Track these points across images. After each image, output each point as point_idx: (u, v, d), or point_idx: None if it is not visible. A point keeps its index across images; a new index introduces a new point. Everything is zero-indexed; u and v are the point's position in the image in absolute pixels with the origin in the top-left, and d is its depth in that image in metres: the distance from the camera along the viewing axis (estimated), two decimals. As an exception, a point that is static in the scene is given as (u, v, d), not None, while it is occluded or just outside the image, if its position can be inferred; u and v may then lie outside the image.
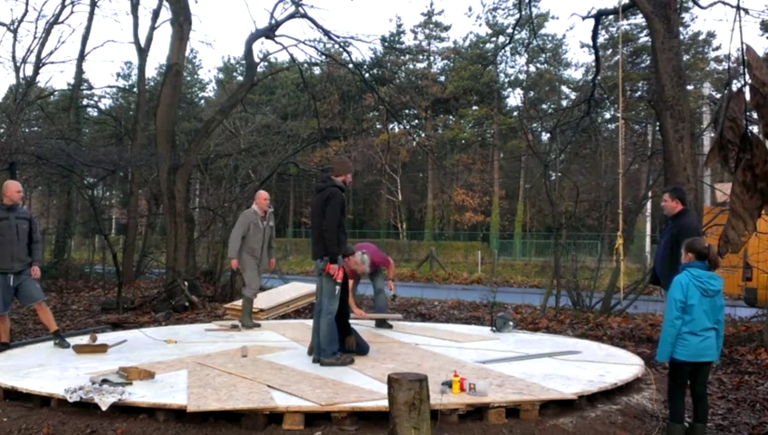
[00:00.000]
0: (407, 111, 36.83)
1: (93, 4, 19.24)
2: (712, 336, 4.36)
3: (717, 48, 35.98)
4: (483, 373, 5.50)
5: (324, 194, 5.95)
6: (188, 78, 44.20)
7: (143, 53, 18.72)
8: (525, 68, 41.30)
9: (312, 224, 6.30)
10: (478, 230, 41.17)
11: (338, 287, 5.96)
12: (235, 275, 12.62)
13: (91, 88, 28.69)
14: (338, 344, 6.00)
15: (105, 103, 34.27)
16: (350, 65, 16.05)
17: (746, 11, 11.35)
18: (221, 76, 47.07)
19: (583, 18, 16.74)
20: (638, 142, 30.53)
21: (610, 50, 33.67)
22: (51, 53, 26.21)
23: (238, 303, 10.50)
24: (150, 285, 15.10)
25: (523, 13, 15.47)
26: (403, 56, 40.36)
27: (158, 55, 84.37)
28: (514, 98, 44.97)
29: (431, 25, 43.64)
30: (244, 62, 18.68)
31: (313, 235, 6.09)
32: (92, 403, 4.53)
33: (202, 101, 46.50)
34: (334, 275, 5.86)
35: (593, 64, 15.74)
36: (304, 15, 13.87)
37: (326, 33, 14.29)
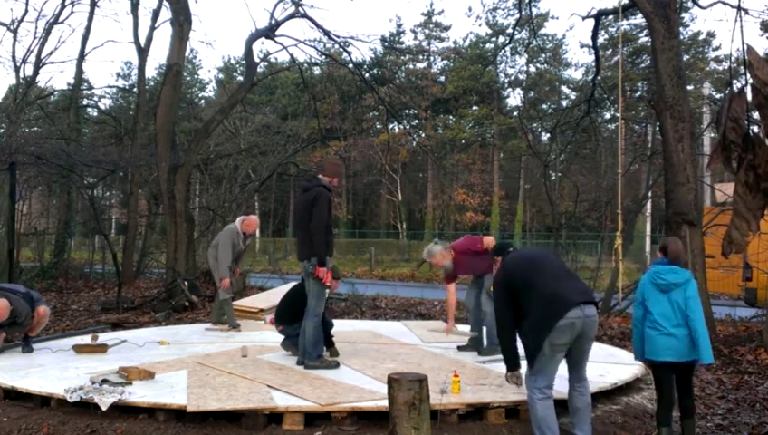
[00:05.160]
0: (407, 111, 36.80)
1: (93, 4, 19.21)
2: (677, 334, 4.18)
3: (717, 48, 36.05)
4: (483, 373, 5.50)
5: (311, 194, 5.71)
6: (188, 78, 44.19)
7: (143, 52, 18.70)
8: (525, 68, 41.31)
9: (295, 224, 6.10)
10: (478, 230, 41.12)
11: (327, 290, 5.84)
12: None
13: (91, 88, 28.74)
14: (323, 347, 5.93)
15: (105, 103, 34.28)
16: (350, 65, 16.01)
17: (746, 11, 11.36)
18: (221, 76, 47.03)
19: (583, 18, 16.73)
20: (638, 142, 30.53)
21: (610, 50, 33.67)
22: (51, 53, 26.27)
23: (240, 303, 10.50)
24: (150, 285, 15.07)
25: (523, 13, 15.46)
26: (403, 56, 40.33)
27: (158, 55, 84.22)
28: (514, 98, 45.04)
29: (431, 25, 43.65)
30: (244, 62, 18.67)
31: (299, 236, 5.89)
32: (92, 403, 4.53)
33: (202, 101, 46.45)
34: (323, 279, 5.68)
35: (593, 64, 15.73)
36: (304, 15, 13.86)
37: (326, 33, 14.26)
